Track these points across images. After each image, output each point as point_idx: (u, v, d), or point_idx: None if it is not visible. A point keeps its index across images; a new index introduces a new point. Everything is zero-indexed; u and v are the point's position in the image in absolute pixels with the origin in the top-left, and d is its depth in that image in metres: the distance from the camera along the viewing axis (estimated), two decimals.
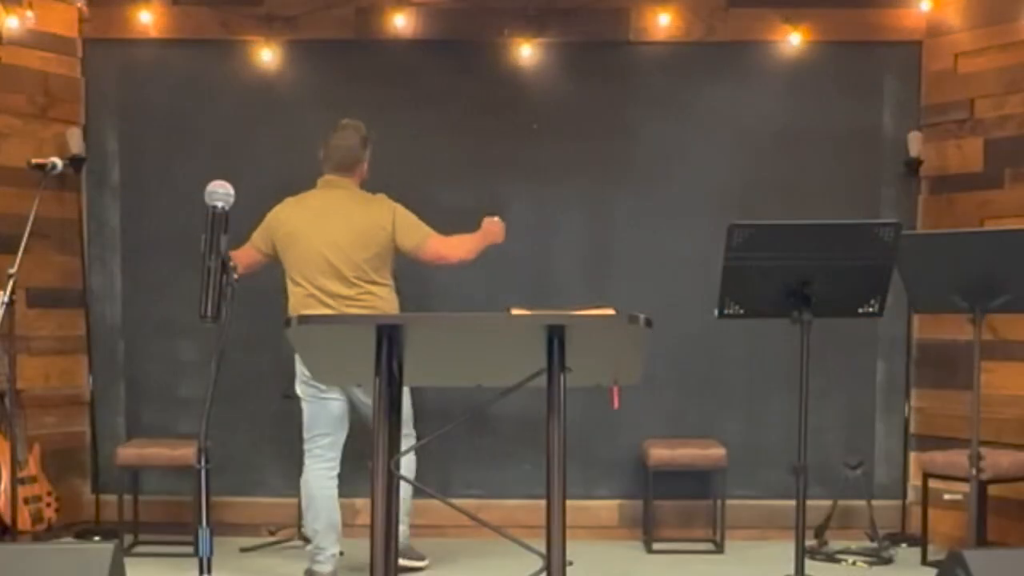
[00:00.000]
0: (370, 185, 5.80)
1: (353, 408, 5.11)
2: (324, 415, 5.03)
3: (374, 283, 5.00)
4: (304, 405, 5.08)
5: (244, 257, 4.99)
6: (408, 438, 4.86)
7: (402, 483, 5.02)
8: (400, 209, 5.09)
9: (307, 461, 5.10)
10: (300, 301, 4.99)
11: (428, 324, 2.72)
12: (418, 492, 5.20)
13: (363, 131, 5.13)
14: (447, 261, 5.13)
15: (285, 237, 5.05)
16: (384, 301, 5.02)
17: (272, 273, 5.65)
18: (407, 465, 5.04)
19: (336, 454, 5.10)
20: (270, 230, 5.10)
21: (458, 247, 5.12)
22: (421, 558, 5.40)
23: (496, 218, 5.16)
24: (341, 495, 5.76)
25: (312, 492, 5.05)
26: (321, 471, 5.07)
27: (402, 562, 5.18)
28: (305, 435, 5.10)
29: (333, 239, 4.96)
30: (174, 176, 5.87)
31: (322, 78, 5.97)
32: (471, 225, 5.79)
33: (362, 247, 4.98)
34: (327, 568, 5.03)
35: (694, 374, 5.96)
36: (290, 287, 5.08)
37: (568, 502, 2.58)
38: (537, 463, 5.73)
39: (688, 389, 5.97)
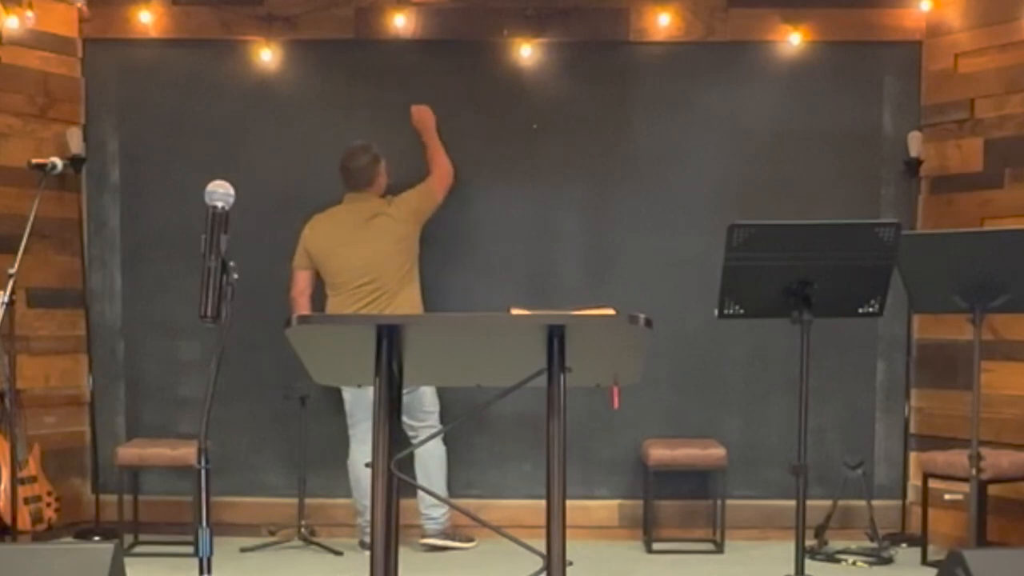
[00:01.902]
0: None
1: None
2: (363, 402, 5.36)
3: (402, 286, 5.44)
4: (344, 394, 5.50)
5: (302, 285, 5.57)
6: (431, 429, 5.39)
7: (434, 464, 5.44)
8: (399, 198, 5.54)
9: (352, 445, 5.58)
10: (340, 309, 5.38)
11: (428, 324, 2.73)
12: (419, 492, 5.24)
13: (372, 149, 5.55)
14: (450, 178, 5.65)
15: (321, 251, 5.49)
16: (413, 306, 5.44)
17: (272, 272, 5.66)
18: (437, 453, 5.52)
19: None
20: (306, 245, 5.53)
21: (443, 164, 5.65)
22: (469, 539, 5.65)
23: (414, 108, 5.72)
24: (341, 495, 5.79)
25: (358, 474, 5.47)
26: (366, 453, 5.36)
27: (446, 543, 5.53)
28: (348, 421, 5.57)
29: (365, 249, 5.41)
30: (174, 176, 5.87)
31: (322, 78, 5.97)
32: (472, 226, 5.80)
33: (395, 252, 5.44)
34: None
35: (694, 374, 5.96)
36: (330, 295, 5.51)
37: (568, 502, 2.58)
38: (537, 463, 5.74)
39: (688, 389, 5.97)
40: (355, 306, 5.40)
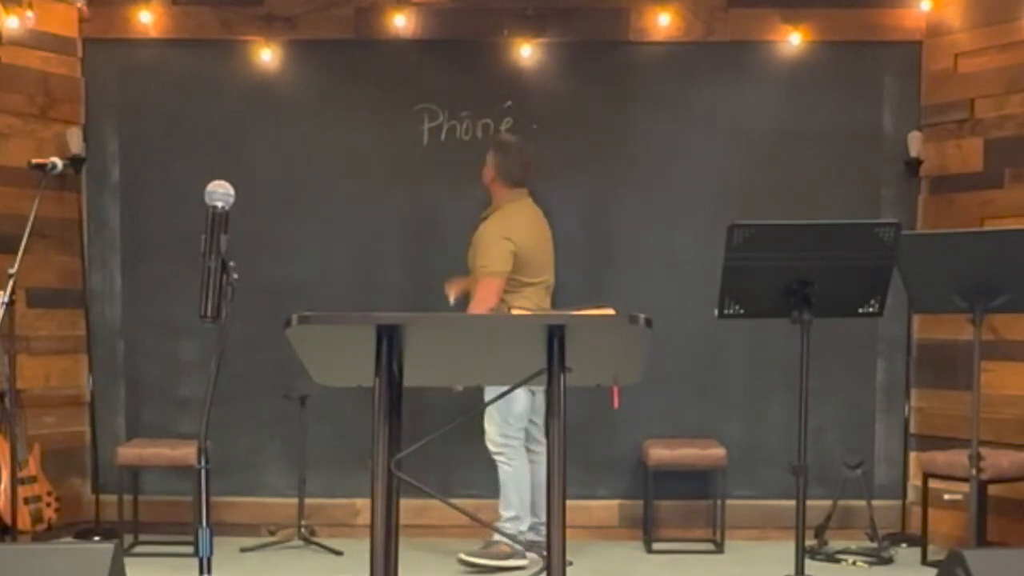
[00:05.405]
0: (371, 184, 5.80)
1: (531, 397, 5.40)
2: (540, 407, 5.27)
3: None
4: (522, 398, 5.30)
5: (502, 291, 5.28)
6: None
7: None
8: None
9: (537, 448, 5.43)
10: (531, 304, 5.28)
11: (428, 324, 2.72)
12: (418, 492, 5.22)
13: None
14: None
15: (530, 250, 5.34)
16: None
17: (271, 273, 5.66)
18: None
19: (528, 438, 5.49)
20: (517, 247, 5.25)
21: None
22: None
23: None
24: (341, 495, 5.80)
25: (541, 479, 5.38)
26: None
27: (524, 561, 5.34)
28: (522, 425, 5.41)
29: (551, 244, 5.46)
30: (174, 176, 5.87)
31: (322, 78, 5.97)
32: (473, 226, 5.79)
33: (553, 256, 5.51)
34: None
35: (694, 374, 5.96)
36: (520, 292, 5.28)
37: (568, 502, 2.58)
38: None
39: (688, 389, 5.97)
40: (546, 299, 5.38)
